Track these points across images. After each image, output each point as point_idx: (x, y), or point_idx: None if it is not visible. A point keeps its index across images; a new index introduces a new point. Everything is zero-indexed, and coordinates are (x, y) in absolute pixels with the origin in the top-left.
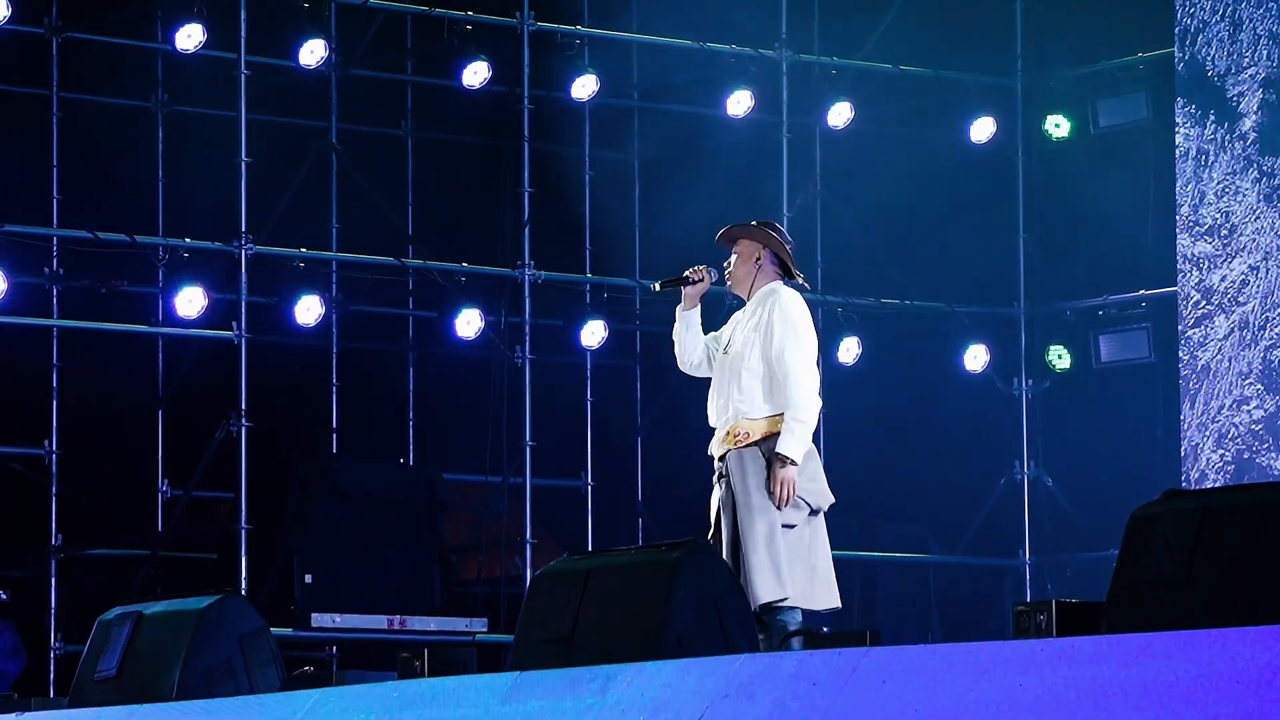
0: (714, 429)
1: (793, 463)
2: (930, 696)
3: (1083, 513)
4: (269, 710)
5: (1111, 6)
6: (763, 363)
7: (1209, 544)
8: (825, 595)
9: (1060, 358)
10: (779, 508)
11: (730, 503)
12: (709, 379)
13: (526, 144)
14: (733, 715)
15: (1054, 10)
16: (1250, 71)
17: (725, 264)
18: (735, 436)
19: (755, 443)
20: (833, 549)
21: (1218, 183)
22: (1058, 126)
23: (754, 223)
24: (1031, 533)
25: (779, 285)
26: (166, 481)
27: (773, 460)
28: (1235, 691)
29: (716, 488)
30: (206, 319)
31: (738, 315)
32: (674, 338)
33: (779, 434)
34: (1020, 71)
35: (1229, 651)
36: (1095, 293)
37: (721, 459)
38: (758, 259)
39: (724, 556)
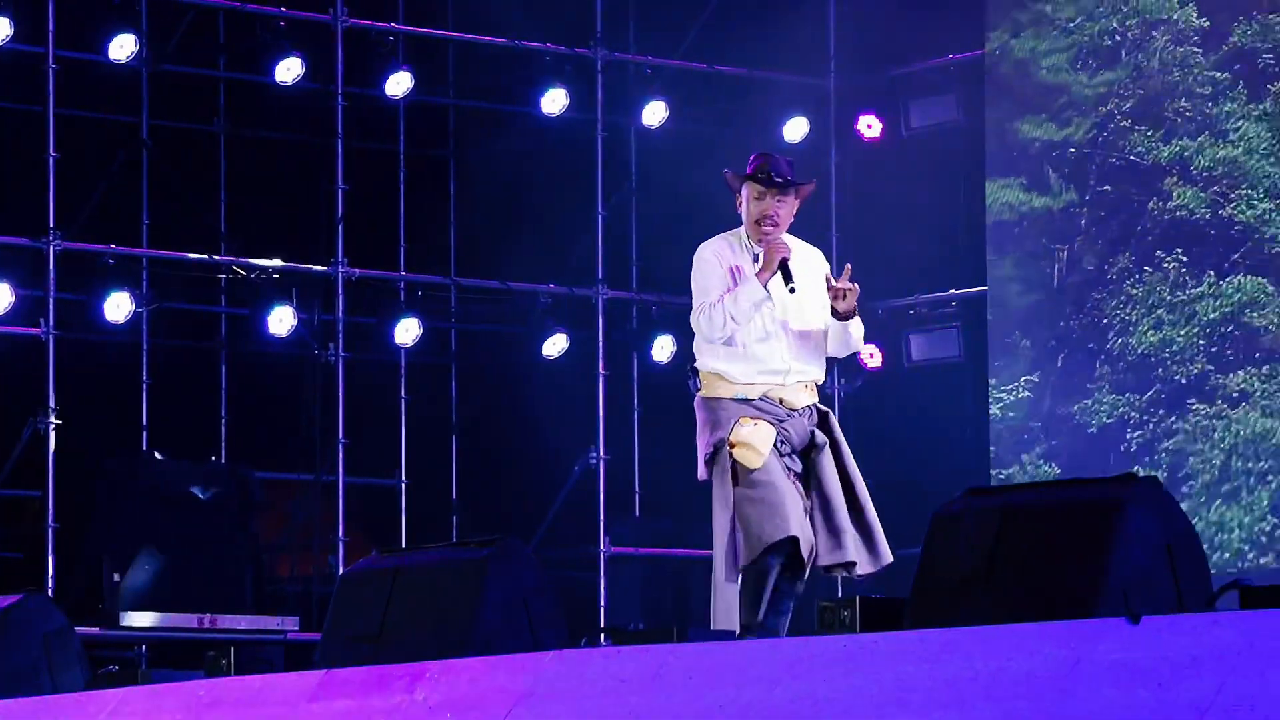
0: (774, 375)
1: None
2: (736, 692)
3: (892, 510)
4: (72, 710)
5: (923, 8)
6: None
7: (1009, 542)
8: None
9: (871, 356)
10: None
11: (834, 455)
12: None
13: (340, 141)
14: (540, 712)
15: (866, 11)
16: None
17: (758, 196)
18: (813, 391)
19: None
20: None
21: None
22: (870, 127)
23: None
24: None
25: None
26: None
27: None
28: (1033, 686)
29: (773, 428)
30: (13, 315)
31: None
32: (744, 308)
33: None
34: (833, 72)
35: (1027, 647)
36: (906, 291)
37: (801, 410)
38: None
39: (816, 498)
